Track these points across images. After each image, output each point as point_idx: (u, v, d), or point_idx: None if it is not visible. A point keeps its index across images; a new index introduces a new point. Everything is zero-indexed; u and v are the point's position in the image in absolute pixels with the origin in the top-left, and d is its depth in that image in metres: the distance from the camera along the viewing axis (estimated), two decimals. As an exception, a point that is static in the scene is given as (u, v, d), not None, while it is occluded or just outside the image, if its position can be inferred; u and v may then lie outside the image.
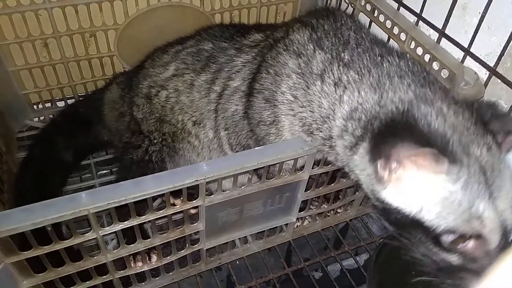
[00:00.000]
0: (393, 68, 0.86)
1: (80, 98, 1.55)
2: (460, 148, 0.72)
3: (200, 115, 1.18)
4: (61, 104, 1.57)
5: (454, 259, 0.75)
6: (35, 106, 1.56)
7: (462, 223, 0.71)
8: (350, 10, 1.48)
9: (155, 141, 1.22)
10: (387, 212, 0.78)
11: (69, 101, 1.56)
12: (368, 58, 0.88)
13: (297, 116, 0.94)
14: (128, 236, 0.94)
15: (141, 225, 0.91)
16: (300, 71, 0.94)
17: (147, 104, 1.23)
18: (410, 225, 0.76)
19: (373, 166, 0.76)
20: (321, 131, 0.90)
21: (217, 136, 1.17)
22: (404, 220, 0.75)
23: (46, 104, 1.57)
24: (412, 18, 1.24)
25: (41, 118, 1.58)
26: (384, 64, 0.87)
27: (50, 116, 1.55)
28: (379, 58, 0.88)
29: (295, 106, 0.94)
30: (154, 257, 1.05)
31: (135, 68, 1.36)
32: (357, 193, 1.18)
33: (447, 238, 0.73)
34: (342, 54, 0.90)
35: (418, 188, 0.73)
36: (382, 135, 0.75)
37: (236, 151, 1.12)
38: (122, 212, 0.84)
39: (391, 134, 0.73)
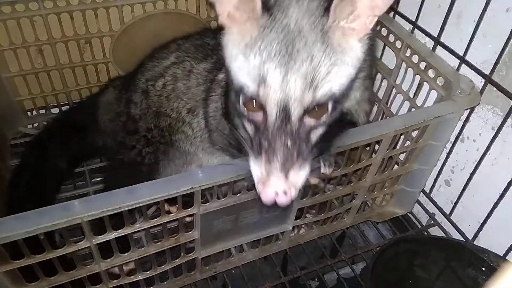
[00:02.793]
0: None
1: (74, 105, 1.54)
2: (279, 3, 0.71)
3: (194, 102, 1.16)
4: (55, 111, 1.56)
5: (249, 127, 0.76)
6: (29, 113, 1.55)
7: (249, 81, 0.70)
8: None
9: (154, 139, 1.19)
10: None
11: (64, 108, 1.56)
12: None
13: None
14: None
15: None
16: None
17: (145, 99, 1.21)
18: (230, 88, 0.77)
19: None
20: None
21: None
22: (229, 85, 0.77)
23: (40, 111, 1.56)
24: (408, 26, 1.25)
25: (35, 125, 1.56)
26: None
27: (44, 123, 1.53)
28: None
29: None
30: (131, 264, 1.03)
31: (133, 70, 1.33)
32: (354, 201, 1.18)
33: (240, 99, 0.73)
34: None
35: (235, 37, 0.73)
36: None
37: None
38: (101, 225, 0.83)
39: None
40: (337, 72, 0.71)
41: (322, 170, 0.95)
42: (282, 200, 0.69)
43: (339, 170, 1.01)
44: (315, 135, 0.75)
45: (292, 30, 0.69)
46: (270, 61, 0.68)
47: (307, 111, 0.71)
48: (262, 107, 0.71)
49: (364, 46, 0.75)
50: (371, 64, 0.97)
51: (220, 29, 0.79)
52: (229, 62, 0.75)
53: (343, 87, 0.73)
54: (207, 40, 1.21)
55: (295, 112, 0.70)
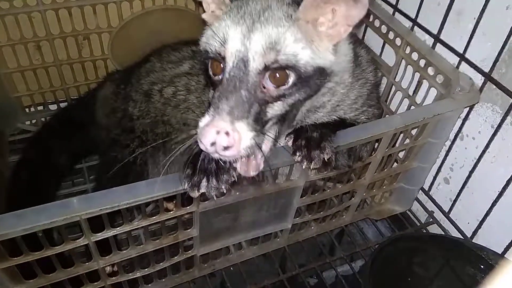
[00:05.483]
0: None
1: (73, 101, 1.54)
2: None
3: None
4: (53, 107, 1.56)
5: (212, 93, 0.80)
6: (27, 109, 1.55)
7: (214, 42, 0.77)
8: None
9: (148, 142, 1.19)
10: None
11: (62, 105, 1.55)
12: None
13: None
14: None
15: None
16: None
17: (145, 102, 1.20)
18: (203, 69, 0.89)
19: None
20: None
21: None
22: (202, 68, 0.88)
23: (38, 107, 1.55)
24: (408, 23, 1.24)
25: (33, 121, 1.56)
26: None
27: (42, 119, 1.54)
28: None
29: None
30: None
31: (136, 64, 1.32)
32: (353, 198, 1.18)
33: (209, 63, 0.80)
34: None
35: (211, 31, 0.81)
36: None
37: None
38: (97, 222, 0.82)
39: None
40: (302, 49, 0.76)
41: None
42: (223, 140, 0.66)
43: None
44: (272, 110, 0.76)
45: (261, 4, 0.78)
46: (234, 24, 0.76)
47: (268, 69, 0.74)
48: (224, 65, 0.77)
49: (339, 55, 0.83)
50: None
51: None
52: (201, 44, 0.83)
53: (307, 66, 0.77)
54: None
55: (254, 63, 0.74)
